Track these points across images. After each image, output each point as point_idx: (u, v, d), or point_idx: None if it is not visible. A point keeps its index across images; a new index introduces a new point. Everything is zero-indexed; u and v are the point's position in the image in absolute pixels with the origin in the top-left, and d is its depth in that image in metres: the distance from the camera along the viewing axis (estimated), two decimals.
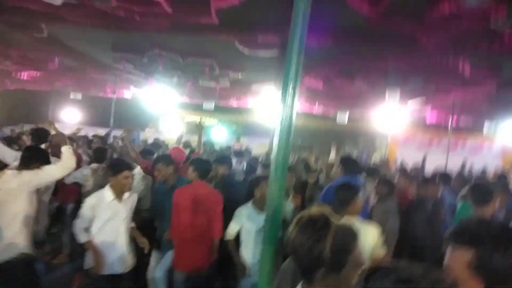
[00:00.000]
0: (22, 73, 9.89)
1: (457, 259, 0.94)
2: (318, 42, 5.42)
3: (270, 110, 6.74)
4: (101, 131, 13.92)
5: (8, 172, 3.10)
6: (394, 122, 10.31)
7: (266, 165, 5.81)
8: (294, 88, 1.19)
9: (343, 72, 7.16)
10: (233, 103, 11.60)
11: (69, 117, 16.10)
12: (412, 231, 3.95)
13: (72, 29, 6.15)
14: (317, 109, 11.72)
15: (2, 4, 4.80)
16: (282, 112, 1.20)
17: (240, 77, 8.38)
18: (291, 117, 1.19)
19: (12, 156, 3.96)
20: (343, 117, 11.62)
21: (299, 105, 11.33)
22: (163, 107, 12.16)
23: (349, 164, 4.13)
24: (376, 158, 13.15)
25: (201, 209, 3.44)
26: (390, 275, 0.71)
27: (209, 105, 11.27)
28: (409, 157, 10.31)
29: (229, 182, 4.54)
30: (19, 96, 14.65)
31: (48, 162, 3.27)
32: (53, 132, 4.27)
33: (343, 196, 2.68)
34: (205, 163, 3.84)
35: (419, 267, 0.73)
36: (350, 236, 1.10)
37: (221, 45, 6.27)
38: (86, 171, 4.76)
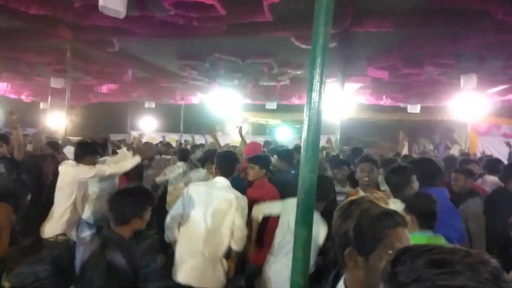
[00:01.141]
0: (102, 87, 10.94)
1: None
2: (379, 29, 5.15)
3: (333, 105, 6.57)
4: (174, 136, 14.86)
5: (68, 162, 3.45)
6: (473, 111, 9.38)
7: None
8: (321, 68, 1.13)
9: (410, 59, 6.70)
10: (295, 101, 11.51)
11: (146, 125, 17.36)
12: (496, 224, 3.52)
13: (140, 42, 6.65)
14: (385, 101, 11.12)
15: (78, 24, 5.35)
16: (311, 97, 1.15)
17: (299, 74, 8.30)
18: (319, 102, 1.13)
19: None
20: (414, 109, 10.87)
21: (365, 98, 10.87)
22: (228, 110, 12.53)
23: (424, 169, 2.84)
24: (455, 151, 12.08)
25: None
26: (421, 257, 0.62)
27: (272, 105, 11.33)
28: (493, 149, 9.29)
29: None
30: (101, 109, 16.18)
31: (96, 154, 3.56)
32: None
33: (396, 181, 2.49)
34: (269, 160, 3.87)
35: (456, 249, 0.63)
36: (382, 221, 1.01)
37: (278, 43, 6.28)
38: (175, 169, 4.99)
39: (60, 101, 11.96)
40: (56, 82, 8.76)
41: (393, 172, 2.65)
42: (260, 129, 18.94)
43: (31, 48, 7.22)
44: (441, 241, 2.00)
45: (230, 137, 14.61)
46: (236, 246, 2.87)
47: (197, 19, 4.85)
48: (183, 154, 5.35)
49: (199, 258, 2.76)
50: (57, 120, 12.13)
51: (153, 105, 14.30)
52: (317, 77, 1.16)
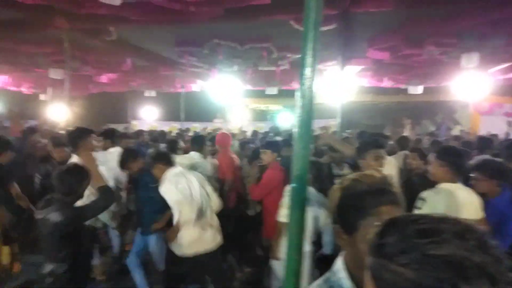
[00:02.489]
0: (101, 77, 10.87)
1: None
2: (379, 8, 5.08)
3: (333, 88, 6.55)
4: (175, 125, 14.86)
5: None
6: (475, 90, 9.29)
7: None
8: (314, 43, 1.12)
9: (411, 39, 6.62)
10: (296, 85, 11.42)
11: (147, 114, 17.35)
12: None
13: (137, 30, 6.57)
14: (386, 83, 11.03)
15: (74, 13, 5.29)
16: (303, 73, 1.14)
17: (299, 58, 8.22)
18: (312, 77, 1.12)
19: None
20: (416, 90, 10.78)
21: (366, 81, 10.79)
22: (229, 97, 12.47)
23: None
24: (456, 131, 12.04)
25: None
26: (409, 227, 0.61)
27: (272, 90, 11.26)
28: (495, 129, 9.24)
29: None
30: (102, 99, 16.15)
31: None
32: None
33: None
34: (278, 145, 4.23)
35: (444, 217, 0.62)
36: (363, 199, 0.98)
37: (276, 27, 6.20)
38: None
39: (60, 92, 11.93)
40: (55, 73, 8.72)
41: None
42: (261, 115, 18.90)
43: (29, 39, 7.17)
44: None
45: (231, 124, 14.60)
46: None
47: (194, 4, 4.79)
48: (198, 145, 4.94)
49: None
50: (58, 112, 12.11)
51: (153, 93, 14.20)
52: (309, 53, 1.14)
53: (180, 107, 11.10)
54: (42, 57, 8.12)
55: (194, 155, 4.61)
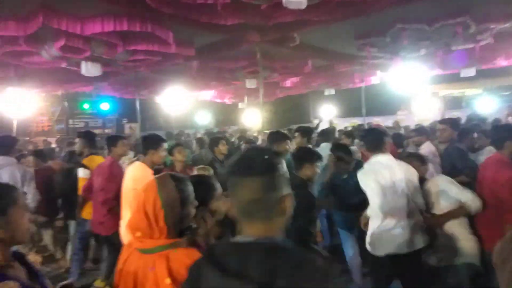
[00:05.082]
0: (286, 82, 11.80)
1: None
2: None
3: None
4: (356, 121, 14.72)
5: None
6: None
7: None
8: None
9: None
10: (501, 62, 9.46)
11: (326, 112, 17.79)
12: None
13: (316, 31, 6.81)
14: None
15: (263, 25, 5.92)
16: None
17: (507, 28, 6.79)
18: None
19: None
20: None
21: None
22: (413, 85, 11.46)
23: None
24: None
25: None
26: None
27: (469, 71, 9.65)
28: None
29: None
30: (286, 102, 17.54)
31: None
32: None
33: None
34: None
35: None
36: None
37: None
38: None
39: (254, 99, 13.65)
40: (250, 83, 9.98)
41: None
42: (454, 103, 16.58)
43: (229, 56, 8.45)
44: None
45: (417, 117, 13.27)
46: None
47: None
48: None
49: None
50: (252, 117, 13.87)
51: (332, 91, 14.50)
52: None
53: (359, 102, 10.88)
54: (239, 70, 9.44)
55: (325, 146, 5.29)
